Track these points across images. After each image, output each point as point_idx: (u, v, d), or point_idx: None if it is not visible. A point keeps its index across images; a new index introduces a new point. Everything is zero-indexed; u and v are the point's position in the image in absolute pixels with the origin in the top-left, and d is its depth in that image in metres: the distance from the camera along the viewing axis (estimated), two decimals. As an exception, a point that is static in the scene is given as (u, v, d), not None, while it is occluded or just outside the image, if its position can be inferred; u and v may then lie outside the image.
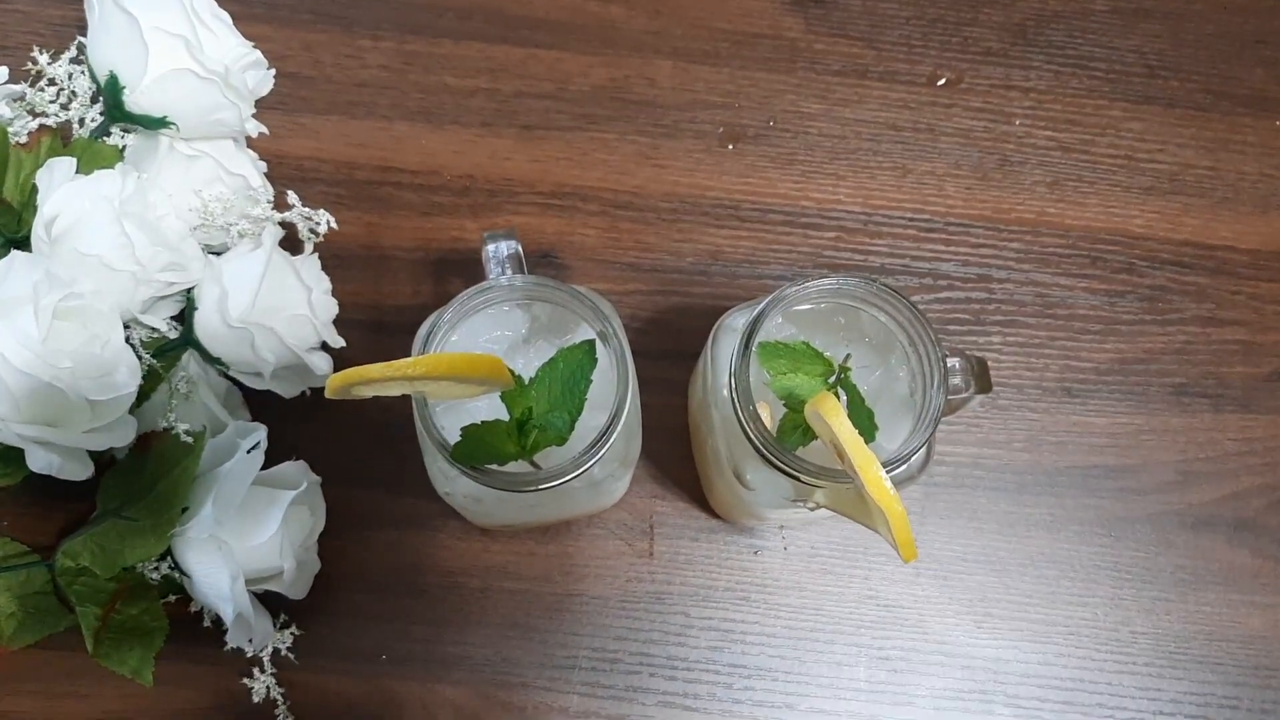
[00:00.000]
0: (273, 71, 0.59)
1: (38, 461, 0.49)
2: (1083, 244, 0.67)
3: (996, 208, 0.67)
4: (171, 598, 0.57)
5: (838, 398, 0.48)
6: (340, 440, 0.61)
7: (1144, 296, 0.66)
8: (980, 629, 0.62)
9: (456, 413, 0.49)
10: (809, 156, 0.67)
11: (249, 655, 0.57)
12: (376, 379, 0.42)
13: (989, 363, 0.63)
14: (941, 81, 0.69)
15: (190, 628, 0.57)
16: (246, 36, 0.60)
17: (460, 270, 0.64)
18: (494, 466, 0.46)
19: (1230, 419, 0.65)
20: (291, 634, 0.59)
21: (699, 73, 0.68)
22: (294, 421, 0.60)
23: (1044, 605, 0.62)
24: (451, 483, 0.50)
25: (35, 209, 0.52)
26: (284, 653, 0.59)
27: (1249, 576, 0.63)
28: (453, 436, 0.46)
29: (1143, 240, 0.67)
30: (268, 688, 0.58)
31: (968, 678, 0.61)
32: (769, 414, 0.49)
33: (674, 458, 0.62)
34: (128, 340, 0.53)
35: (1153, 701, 0.61)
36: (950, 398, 0.49)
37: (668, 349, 0.63)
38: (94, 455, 0.53)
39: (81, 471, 0.51)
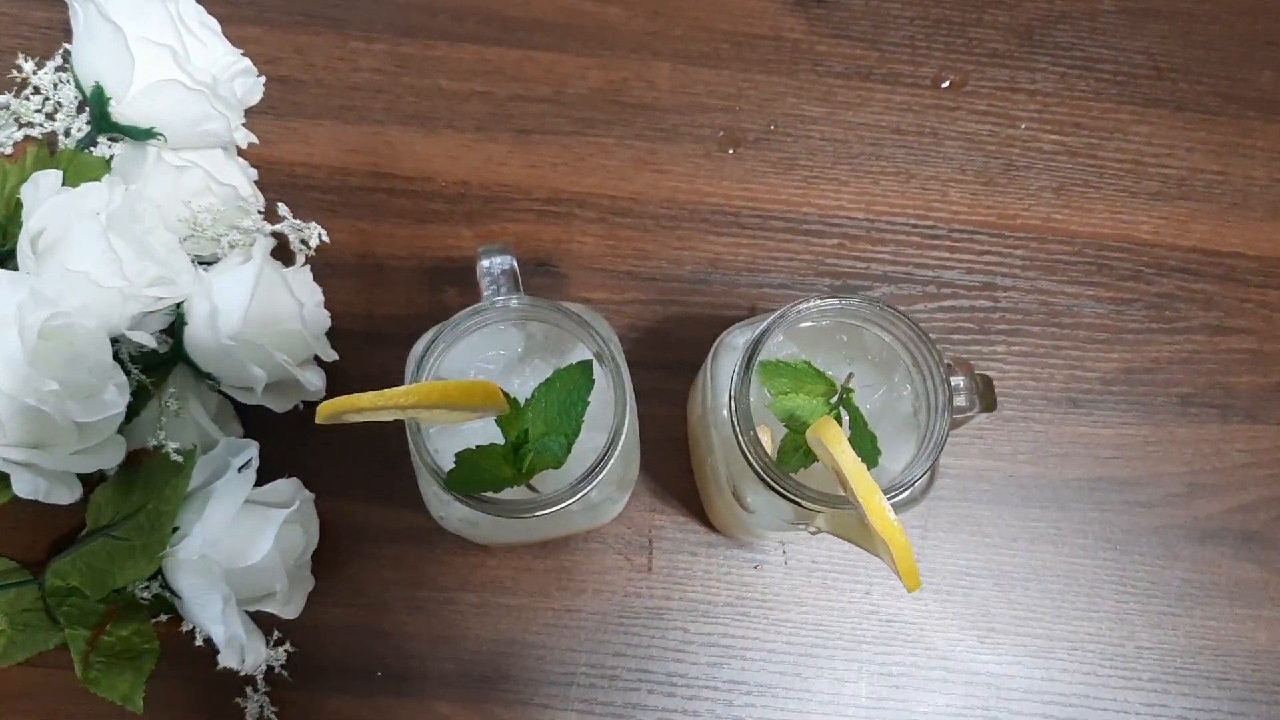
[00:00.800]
0: (262, 80, 0.58)
1: (24, 486, 0.48)
2: (1089, 251, 0.66)
3: (1002, 214, 0.66)
4: (163, 617, 0.56)
5: (840, 419, 0.47)
6: (334, 454, 0.60)
7: (1151, 304, 0.65)
8: (983, 644, 0.61)
9: (451, 434, 0.48)
10: (810, 161, 0.66)
11: (242, 675, 0.56)
12: (368, 408, 0.41)
13: (994, 373, 0.63)
14: (946, 84, 0.67)
15: (182, 645, 0.56)
16: (235, 39, 0.59)
17: (455, 280, 0.63)
18: (489, 494, 0.45)
19: (1238, 430, 0.64)
20: (285, 651, 0.58)
21: (698, 75, 0.67)
22: (287, 434, 0.59)
23: (1048, 620, 0.61)
24: (446, 506, 0.49)
25: (21, 224, 0.51)
26: (278, 670, 0.58)
27: (1256, 590, 0.62)
28: (447, 457, 0.46)
29: (1150, 247, 0.66)
30: (261, 707, 0.57)
31: (970, 694, 0.60)
32: (769, 437, 0.48)
33: (673, 471, 0.61)
34: (116, 356, 0.52)
35: (1158, 718, 0.61)
36: (954, 417, 0.48)
37: (667, 359, 0.62)
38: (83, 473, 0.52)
39: (68, 495, 0.50)
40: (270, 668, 0.58)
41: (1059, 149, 0.67)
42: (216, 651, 0.54)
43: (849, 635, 0.61)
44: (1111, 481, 0.63)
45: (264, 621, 0.56)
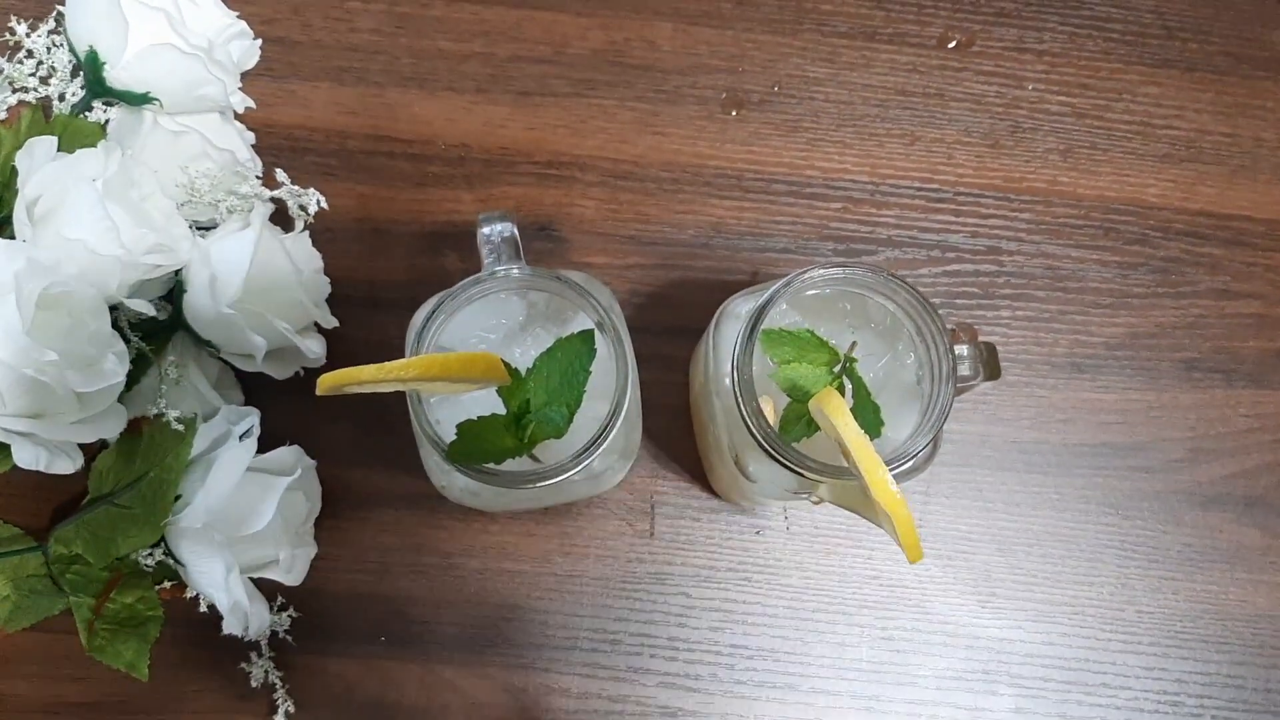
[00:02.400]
0: (259, 42, 0.57)
1: (24, 456, 0.48)
2: (1095, 214, 0.65)
3: (1007, 177, 0.65)
4: (167, 583, 0.56)
5: (843, 389, 0.47)
6: (336, 421, 0.60)
7: (1157, 269, 0.65)
8: (984, 609, 0.61)
9: (453, 404, 0.48)
10: (814, 124, 0.65)
11: (246, 640, 0.57)
12: (368, 381, 0.41)
13: (998, 338, 0.63)
14: (952, 44, 0.66)
15: (187, 611, 0.56)
16: (231, 1, 0.58)
17: (456, 244, 0.62)
18: (491, 465, 0.45)
19: (1242, 395, 0.64)
20: (289, 617, 0.58)
21: (701, 35, 0.66)
22: (288, 400, 0.58)
23: (1049, 585, 0.61)
24: (448, 476, 0.49)
25: (16, 190, 0.51)
26: (282, 635, 0.58)
27: (1257, 555, 0.62)
28: (449, 428, 0.45)
29: (1157, 210, 0.65)
30: (265, 672, 0.57)
31: (971, 658, 0.61)
32: (772, 407, 0.48)
33: (675, 436, 0.61)
34: (115, 324, 0.51)
35: (1157, 681, 0.61)
36: (958, 386, 0.47)
37: (669, 325, 0.62)
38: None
39: (69, 465, 0.49)
40: (274, 633, 0.58)
41: (1066, 110, 0.66)
42: (220, 618, 0.54)
43: (850, 600, 0.61)
44: (1114, 447, 0.63)
45: (267, 587, 0.56)
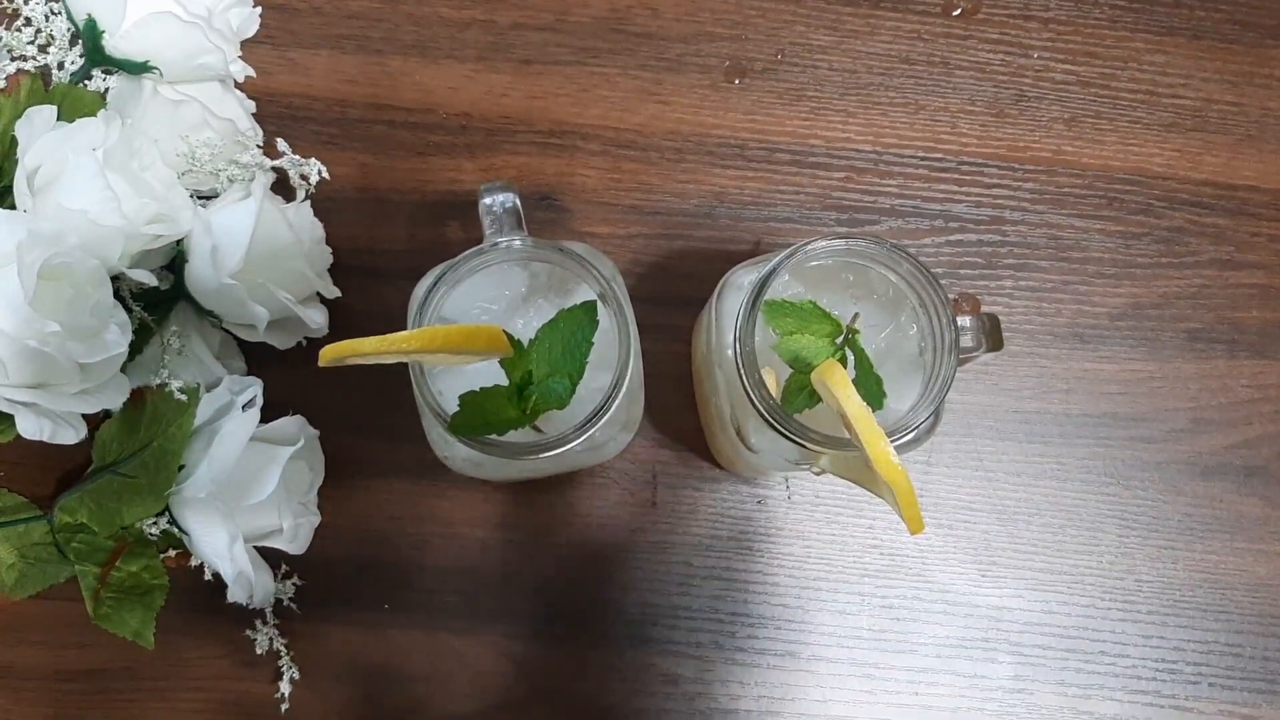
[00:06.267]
0: (258, 10, 0.56)
1: (28, 426, 0.48)
2: (1099, 184, 0.65)
3: (1011, 146, 0.65)
4: (172, 551, 0.56)
5: (845, 360, 0.47)
6: (338, 390, 0.60)
7: (1160, 239, 0.64)
8: (984, 578, 0.61)
9: (455, 375, 0.48)
10: (818, 92, 0.65)
11: (251, 608, 0.57)
12: (370, 353, 0.41)
13: (1000, 308, 0.63)
14: (957, 11, 0.66)
15: (192, 579, 0.57)
16: (230, -33, 0.57)
17: (458, 214, 0.62)
18: (493, 436, 0.45)
19: (1245, 365, 0.64)
20: (293, 584, 0.59)
21: (704, 2, 0.65)
22: (291, 369, 0.58)
23: (1049, 554, 0.62)
24: (450, 447, 0.49)
25: (16, 160, 0.51)
26: (286, 603, 0.59)
27: (1257, 524, 0.62)
28: (451, 399, 0.46)
29: (1161, 180, 0.65)
30: (270, 639, 0.58)
31: (970, 626, 0.61)
32: (774, 379, 0.48)
33: (677, 406, 0.61)
34: (117, 294, 0.51)
35: (1155, 649, 0.61)
36: (960, 357, 0.47)
37: (671, 295, 0.62)
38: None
39: (73, 435, 0.49)
40: (279, 600, 0.58)
41: (1071, 79, 0.66)
42: (225, 586, 0.55)
43: (851, 569, 0.61)
44: (1116, 417, 0.63)
45: (271, 555, 0.57)
